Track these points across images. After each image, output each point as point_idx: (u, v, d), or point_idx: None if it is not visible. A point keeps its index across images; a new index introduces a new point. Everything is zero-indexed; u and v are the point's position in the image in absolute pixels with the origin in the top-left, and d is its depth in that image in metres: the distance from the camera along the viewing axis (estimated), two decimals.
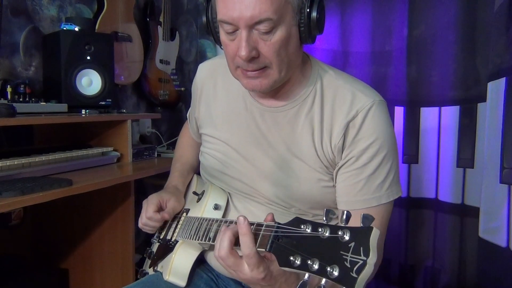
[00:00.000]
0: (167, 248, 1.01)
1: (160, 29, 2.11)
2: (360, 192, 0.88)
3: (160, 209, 1.02)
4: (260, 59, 0.82)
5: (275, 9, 0.77)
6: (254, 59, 0.81)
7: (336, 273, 0.54)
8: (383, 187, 0.89)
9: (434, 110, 1.79)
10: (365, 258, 0.53)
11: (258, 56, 0.81)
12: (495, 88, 1.48)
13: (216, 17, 0.85)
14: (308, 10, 0.81)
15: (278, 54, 0.81)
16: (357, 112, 0.87)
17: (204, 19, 0.90)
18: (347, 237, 0.55)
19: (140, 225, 1.04)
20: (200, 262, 1.01)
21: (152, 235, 1.10)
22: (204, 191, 1.04)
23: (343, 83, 0.91)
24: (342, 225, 0.58)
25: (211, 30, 0.90)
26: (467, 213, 1.72)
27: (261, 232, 0.69)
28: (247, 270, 0.70)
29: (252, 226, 0.71)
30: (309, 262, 0.58)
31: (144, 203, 1.04)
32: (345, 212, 0.58)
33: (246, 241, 0.68)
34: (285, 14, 0.79)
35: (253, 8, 0.76)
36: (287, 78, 0.88)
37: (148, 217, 1.01)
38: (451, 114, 1.75)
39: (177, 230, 1.02)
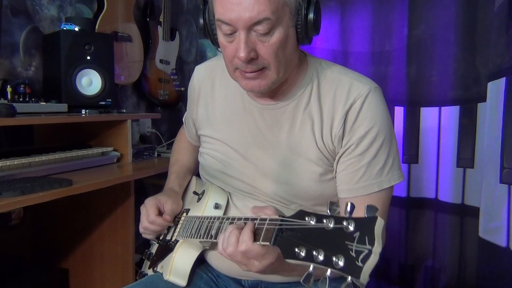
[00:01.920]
0: (167, 248, 1.01)
1: (160, 29, 2.11)
2: (362, 178, 0.89)
3: (159, 212, 1.02)
4: (258, 60, 0.82)
5: (273, 9, 0.77)
6: (253, 60, 0.82)
7: (341, 263, 0.54)
8: (383, 172, 0.90)
9: (434, 110, 1.79)
10: (370, 247, 0.53)
11: (257, 58, 0.82)
12: (495, 88, 1.48)
13: (213, 18, 0.85)
14: (305, 11, 0.82)
15: (276, 55, 0.82)
16: (355, 100, 0.88)
17: (201, 21, 0.91)
18: (351, 228, 0.56)
19: (141, 229, 1.03)
20: (200, 262, 1.01)
21: None
22: (204, 190, 1.04)
23: (338, 74, 0.92)
24: (347, 216, 0.58)
25: (208, 32, 0.91)
26: (467, 213, 1.72)
27: (265, 226, 0.70)
28: (256, 262, 0.73)
29: (255, 221, 0.73)
30: (314, 253, 0.58)
31: (142, 208, 1.03)
32: (349, 203, 0.59)
33: (243, 236, 0.72)
34: (283, 16, 0.80)
35: (252, 9, 0.76)
36: (284, 78, 0.89)
37: (151, 221, 1.00)
38: (451, 114, 1.75)
39: (177, 230, 1.02)
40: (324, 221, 0.59)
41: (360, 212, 0.58)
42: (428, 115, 1.81)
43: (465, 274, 1.75)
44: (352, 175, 0.90)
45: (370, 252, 0.53)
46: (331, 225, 0.58)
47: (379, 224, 0.54)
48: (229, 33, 0.82)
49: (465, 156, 1.72)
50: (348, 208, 0.58)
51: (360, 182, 0.90)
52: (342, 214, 0.59)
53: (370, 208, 0.56)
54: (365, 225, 0.55)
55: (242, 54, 0.80)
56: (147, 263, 1.09)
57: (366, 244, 0.53)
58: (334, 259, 0.55)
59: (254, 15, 0.77)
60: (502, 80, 1.45)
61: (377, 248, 0.53)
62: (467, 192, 1.73)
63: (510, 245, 1.44)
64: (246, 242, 0.71)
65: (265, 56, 0.82)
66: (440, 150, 1.80)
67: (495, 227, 1.49)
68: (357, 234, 0.55)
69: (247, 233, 0.72)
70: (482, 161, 1.60)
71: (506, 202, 1.44)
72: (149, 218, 1.00)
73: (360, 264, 0.53)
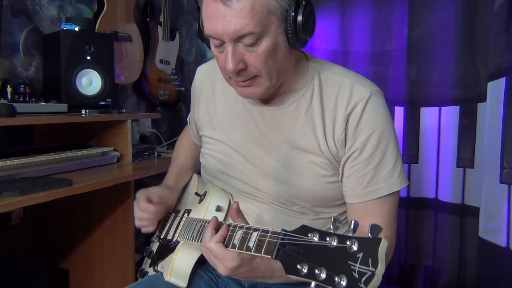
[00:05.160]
0: (167, 248, 1.01)
1: (160, 29, 2.11)
2: (370, 183, 0.89)
3: (150, 201, 1.03)
4: (248, 70, 0.83)
5: (257, 22, 0.77)
6: (242, 71, 0.82)
7: (344, 283, 0.54)
8: (394, 174, 0.89)
9: (434, 110, 1.79)
10: (373, 269, 0.53)
11: (246, 68, 0.82)
12: (495, 88, 1.48)
13: None
14: (293, 15, 0.81)
15: (265, 64, 0.82)
16: (356, 104, 0.88)
17: (196, 27, 0.91)
18: (355, 247, 0.55)
19: (136, 221, 1.04)
20: (201, 262, 1.01)
21: (153, 234, 1.10)
22: (206, 192, 1.04)
23: (340, 76, 0.92)
24: (350, 234, 0.58)
25: (204, 39, 0.91)
26: (467, 213, 1.72)
27: (267, 239, 0.69)
28: (220, 264, 0.78)
29: (257, 232, 0.72)
30: (316, 271, 0.58)
31: (134, 202, 1.05)
32: (353, 221, 0.58)
33: (205, 233, 0.80)
34: (269, 25, 0.79)
35: (235, 23, 0.77)
36: (279, 83, 0.89)
37: (142, 209, 1.01)
38: (451, 114, 1.75)
39: (178, 231, 1.02)
40: (327, 238, 0.59)
41: (370, 218, 0.57)
42: (428, 115, 1.81)
43: (465, 274, 1.76)
44: (360, 180, 0.89)
45: (373, 274, 0.52)
46: (334, 243, 0.58)
47: (383, 246, 0.54)
48: (218, 45, 0.82)
49: (465, 156, 1.72)
50: (352, 226, 0.58)
51: (369, 187, 0.89)
52: (350, 219, 0.60)
53: (374, 228, 0.55)
54: (369, 246, 0.54)
55: (230, 66, 0.80)
56: (147, 261, 1.10)
57: (369, 266, 0.53)
58: (336, 279, 0.55)
59: (238, 29, 0.77)
60: (502, 80, 1.45)
61: (380, 270, 0.52)
62: (467, 192, 1.73)
63: (510, 245, 1.45)
64: (212, 241, 0.77)
65: (255, 66, 0.82)
66: (440, 150, 1.80)
67: (495, 227, 1.49)
68: (360, 255, 0.54)
69: (216, 235, 0.78)
70: (482, 161, 1.60)
71: (506, 202, 1.44)
72: (140, 206, 1.01)
73: (362, 286, 0.53)
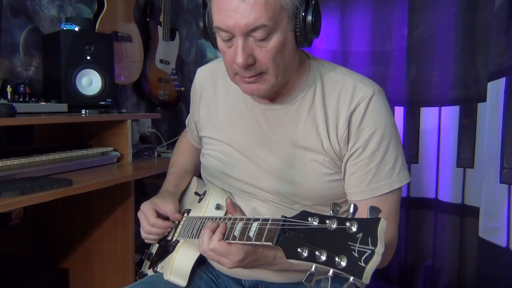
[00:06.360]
0: (167, 248, 1.01)
1: (160, 29, 2.11)
2: (372, 180, 0.90)
3: (158, 214, 1.02)
4: (256, 66, 0.83)
5: (270, 16, 0.78)
6: (251, 65, 0.82)
7: (344, 263, 0.55)
8: (394, 172, 0.90)
9: (434, 110, 1.79)
10: (373, 248, 0.53)
11: (255, 63, 0.82)
12: (495, 88, 1.48)
13: (212, 23, 0.85)
14: (303, 14, 0.82)
15: (274, 60, 0.82)
16: (359, 102, 0.89)
17: (201, 25, 0.91)
18: (354, 228, 0.56)
19: (143, 235, 1.03)
20: (201, 262, 1.01)
21: None
22: (205, 191, 1.04)
23: (342, 76, 0.93)
24: (349, 217, 0.58)
25: (209, 36, 0.91)
26: (467, 213, 1.72)
27: (267, 226, 0.70)
28: (225, 259, 0.79)
29: (257, 221, 0.73)
30: (316, 253, 0.58)
31: (139, 213, 1.03)
32: (352, 205, 0.59)
33: (203, 237, 0.81)
34: (280, 20, 0.80)
35: (248, 16, 0.77)
36: (284, 81, 0.89)
37: (152, 224, 1.00)
38: (451, 114, 1.75)
39: (178, 230, 1.02)
40: (327, 221, 0.60)
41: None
42: (428, 115, 1.81)
43: (465, 274, 1.75)
44: (362, 177, 0.90)
45: (373, 252, 0.53)
46: (334, 226, 0.59)
47: (382, 225, 0.54)
48: (227, 39, 0.82)
49: (465, 156, 1.72)
50: (351, 209, 0.59)
51: (371, 184, 0.90)
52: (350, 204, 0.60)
53: (373, 209, 0.56)
54: (368, 226, 0.55)
55: (240, 60, 0.80)
56: (147, 263, 1.10)
57: (369, 245, 0.54)
58: (336, 259, 0.56)
59: (250, 22, 0.77)
60: (502, 80, 1.45)
61: (380, 249, 0.53)
62: (467, 192, 1.73)
63: (510, 245, 1.45)
64: (213, 241, 0.79)
65: (263, 61, 0.82)
66: (440, 150, 1.80)
67: (495, 227, 1.49)
68: (360, 235, 0.55)
69: (216, 234, 0.79)
70: (482, 161, 1.60)
71: (506, 202, 1.44)
72: (150, 221, 1.00)
73: (362, 264, 0.53)
